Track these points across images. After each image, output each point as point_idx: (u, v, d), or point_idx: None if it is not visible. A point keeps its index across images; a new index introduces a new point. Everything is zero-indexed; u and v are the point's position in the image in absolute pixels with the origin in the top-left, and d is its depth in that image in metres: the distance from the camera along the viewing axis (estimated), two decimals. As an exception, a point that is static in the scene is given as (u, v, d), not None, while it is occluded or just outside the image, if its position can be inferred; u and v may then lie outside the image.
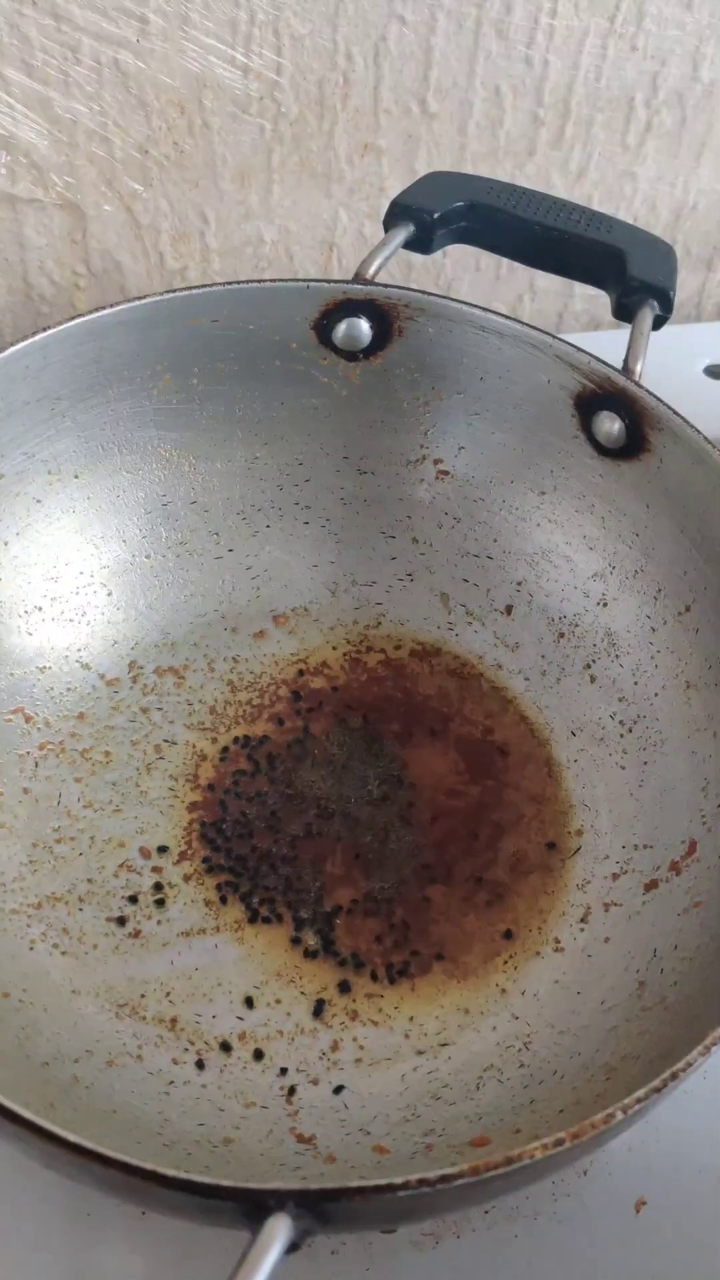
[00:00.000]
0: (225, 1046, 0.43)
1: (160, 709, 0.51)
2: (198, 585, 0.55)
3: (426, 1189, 0.29)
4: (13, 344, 0.46)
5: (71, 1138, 0.29)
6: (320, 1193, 0.29)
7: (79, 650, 0.52)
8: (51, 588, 0.52)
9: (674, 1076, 0.31)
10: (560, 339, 0.49)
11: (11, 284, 0.68)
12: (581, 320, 0.77)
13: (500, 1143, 0.36)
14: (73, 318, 0.48)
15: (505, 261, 0.74)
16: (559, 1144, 0.30)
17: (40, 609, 0.51)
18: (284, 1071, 0.42)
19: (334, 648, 0.54)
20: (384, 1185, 0.29)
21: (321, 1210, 0.29)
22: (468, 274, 0.74)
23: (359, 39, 0.62)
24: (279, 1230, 0.28)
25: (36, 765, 0.49)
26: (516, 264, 0.74)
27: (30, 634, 0.50)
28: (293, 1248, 0.29)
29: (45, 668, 0.51)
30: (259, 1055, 0.43)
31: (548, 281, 0.75)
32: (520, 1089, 0.41)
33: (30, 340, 0.47)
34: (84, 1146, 0.29)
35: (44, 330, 0.47)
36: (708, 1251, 0.42)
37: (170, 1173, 0.29)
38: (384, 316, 0.51)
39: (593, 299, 0.77)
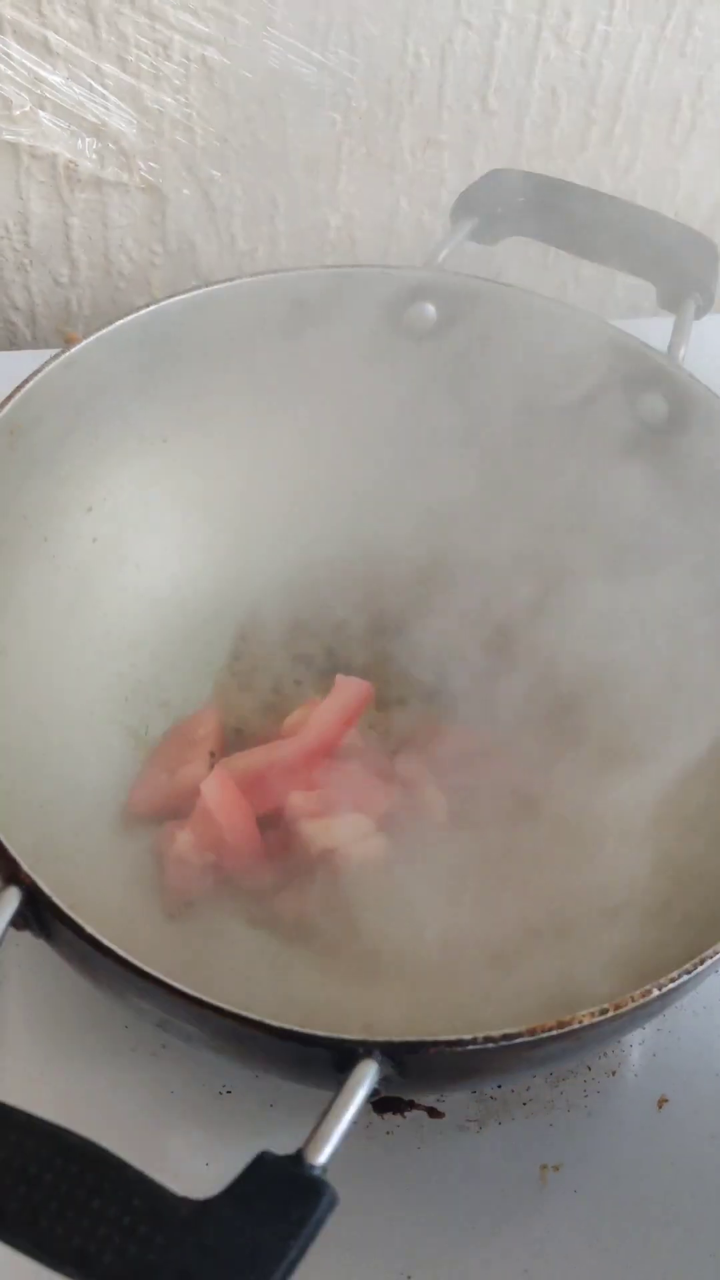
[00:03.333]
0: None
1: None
2: (268, 546, 0.60)
3: (490, 1045, 0.34)
4: (105, 321, 0.52)
5: (193, 992, 0.34)
6: (403, 1044, 0.34)
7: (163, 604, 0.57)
8: (139, 545, 0.57)
9: (701, 961, 0.36)
10: (612, 325, 0.54)
11: (94, 260, 0.73)
12: (622, 306, 0.82)
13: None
14: (170, 295, 0.53)
15: (552, 250, 0.78)
16: (604, 1013, 0.35)
17: (136, 565, 0.56)
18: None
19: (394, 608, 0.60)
20: (456, 1040, 0.34)
21: (401, 1060, 0.34)
22: (515, 262, 0.78)
23: (427, 41, 0.66)
24: (367, 1074, 0.33)
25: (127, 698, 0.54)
26: (563, 253, 0.79)
27: (124, 587, 0.56)
28: (373, 1094, 0.35)
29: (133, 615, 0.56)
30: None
31: (592, 270, 0.79)
32: (559, 992, 0.46)
33: (134, 315, 0.52)
34: (203, 999, 0.34)
35: (144, 307, 0.52)
36: (721, 1144, 0.48)
37: (275, 1023, 0.34)
38: (451, 301, 0.56)
39: (633, 288, 0.81)
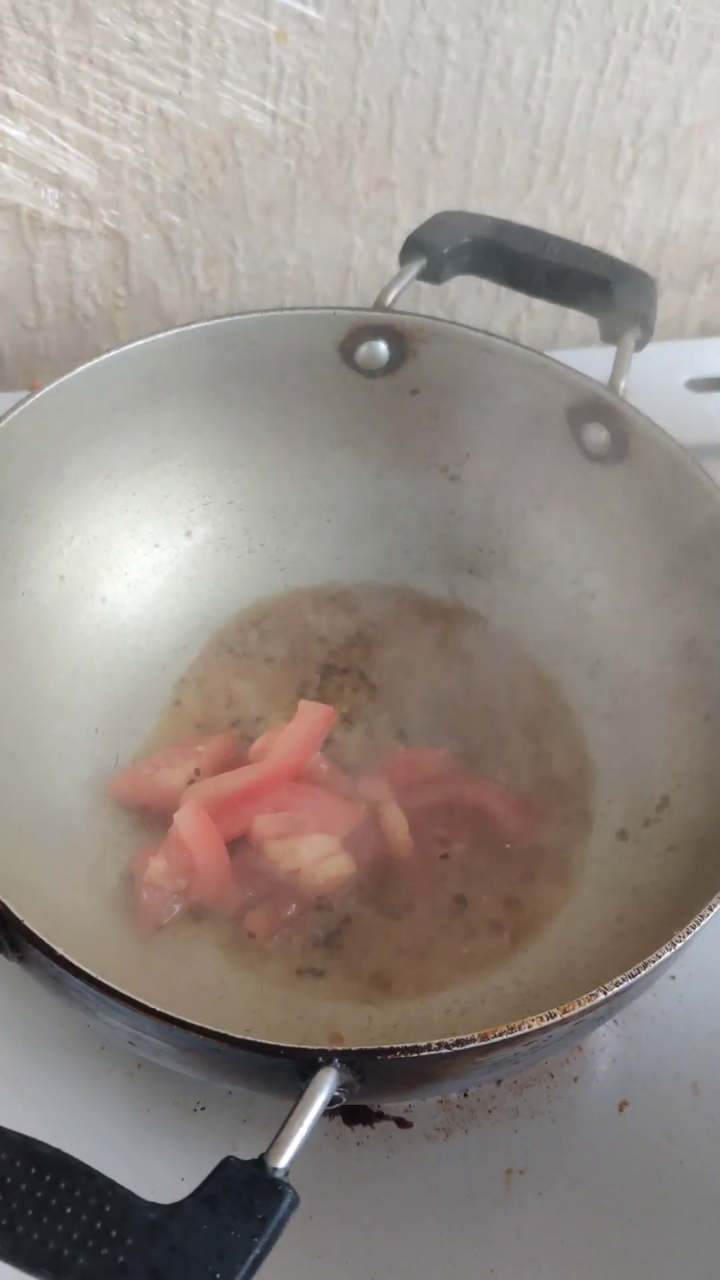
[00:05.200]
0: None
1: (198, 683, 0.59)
2: (233, 576, 0.62)
3: (445, 1050, 0.36)
4: (72, 363, 0.54)
5: (158, 1007, 0.36)
6: (361, 1052, 0.36)
7: (133, 636, 0.59)
8: (107, 579, 0.59)
9: (644, 966, 0.38)
10: (554, 360, 0.57)
11: (59, 304, 0.75)
12: (575, 338, 0.85)
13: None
14: (132, 341, 0.55)
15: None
16: (551, 1016, 0.37)
17: (104, 599, 0.58)
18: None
19: (355, 632, 0.62)
20: (411, 1047, 0.36)
21: (360, 1067, 0.36)
22: (470, 296, 0.81)
23: (375, 89, 0.69)
24: (327, 1080, 0.35)
25: (98, 729, 0.56)
26: (515, 288, 0.81)
27: (94, 621, 0.58)
28: (334, 1101, 0.36)
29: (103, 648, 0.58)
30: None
31: (544, 303, 0.82)
32: (517, 1002, 0.48)
33: (95, 361, 0.54)
34: (169, 1015, 0.36)
35: (107, 352, 0.54)
36: (679, 1145, 0.49)
37: (238, 1035, 0.36)
38: (400, 339, 0.58)
39: (585, 319, 0.83)
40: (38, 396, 0.52)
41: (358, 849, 0.53)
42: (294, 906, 0.51)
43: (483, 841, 0.54)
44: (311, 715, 0.55)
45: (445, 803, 0.55)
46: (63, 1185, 0.31)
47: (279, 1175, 0.32)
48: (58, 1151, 0.32)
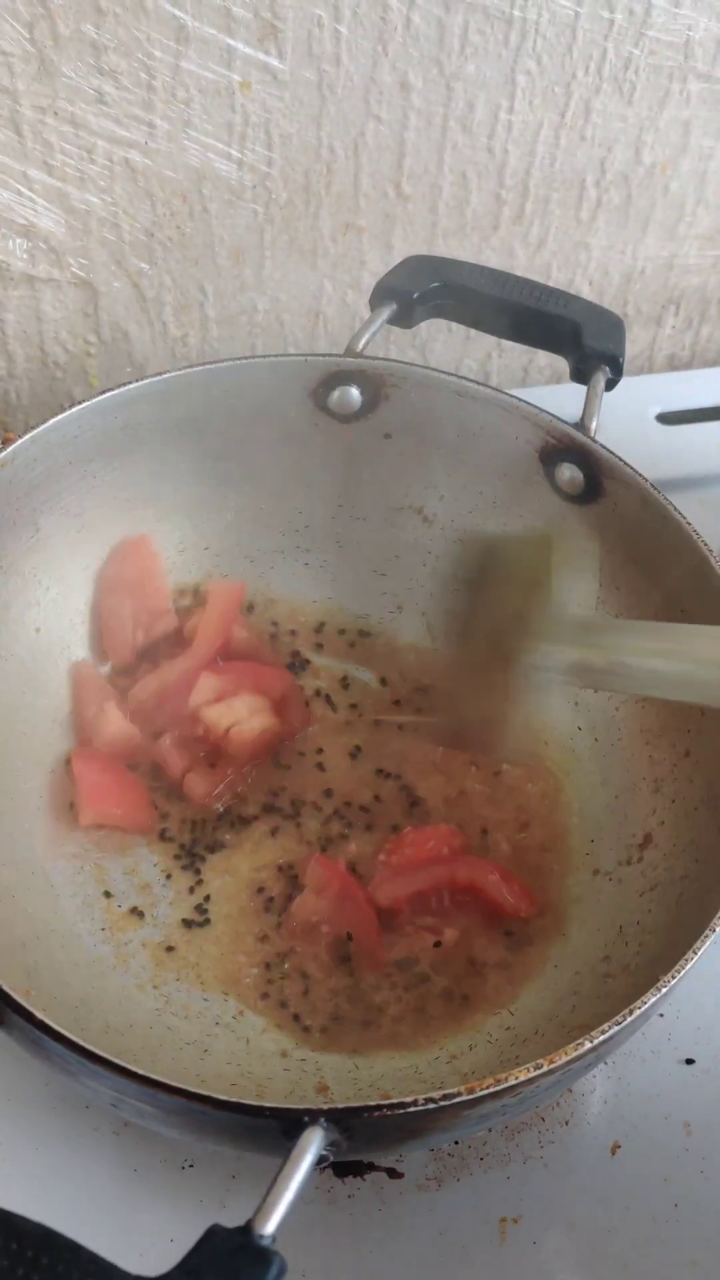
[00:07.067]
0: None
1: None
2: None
3: (431, 1105, 0.36)
4: (44, 416, 0.54)
5: (140, 1070, 0.36)
6: (347, 1110, 0.35)
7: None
8: (85, 630, 0.59)
9: (630, 1012, 0.38)
10: (526, 401, 0.57)
11: (29, 352, 0.75)
12: (545, 374, 0.85)
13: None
14: (104, 391, 0.55)
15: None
16: (538, 1068, 0.37)
17: (82, 650, 0.58)
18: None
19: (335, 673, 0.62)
20: (398, 1103, 0.36)
21: (347, 1125, 0.35)
22: (441, 335, 0.82)
23: (340, 135, 0.70)
24: (314, 1140, 0.35)
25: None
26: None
27: (68, 673, 0.58)
28: (321, 1160, 0.36)
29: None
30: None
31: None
32: (507, 1047, 0.48)
33: (68, 412, 0.54)
34: (153, 1078, 0.36)
35: (80, 403, 0.54)
36: (673, 1186, 0.49)
37: (223, 1097, 0.35)
38: (373, 385, 0.58)
39: (554, 355, 0.84)
40: (10, 449, 0.52)
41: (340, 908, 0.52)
42: (230, 771, 0.55)
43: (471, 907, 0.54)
44: (222, 595, 0.59)
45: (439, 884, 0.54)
46: (45, 1261, 0.30)
47: (265, 1243, 0.32)
48: (40, 1226, 0.32)
